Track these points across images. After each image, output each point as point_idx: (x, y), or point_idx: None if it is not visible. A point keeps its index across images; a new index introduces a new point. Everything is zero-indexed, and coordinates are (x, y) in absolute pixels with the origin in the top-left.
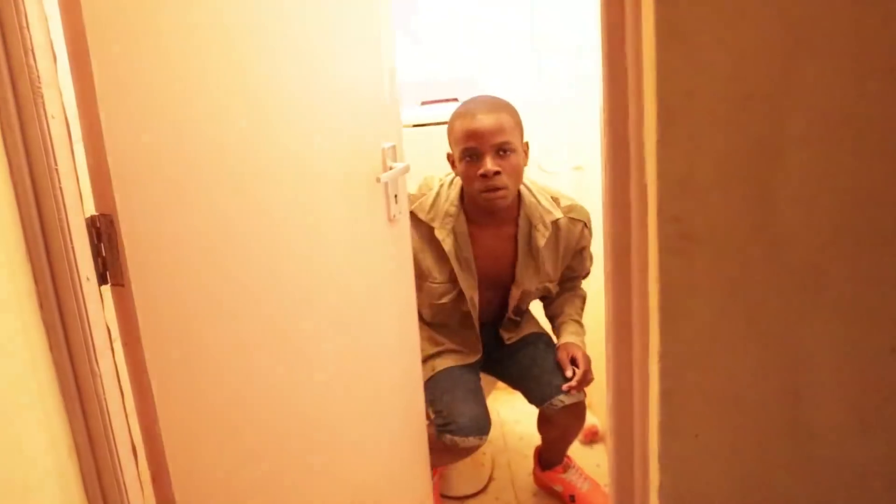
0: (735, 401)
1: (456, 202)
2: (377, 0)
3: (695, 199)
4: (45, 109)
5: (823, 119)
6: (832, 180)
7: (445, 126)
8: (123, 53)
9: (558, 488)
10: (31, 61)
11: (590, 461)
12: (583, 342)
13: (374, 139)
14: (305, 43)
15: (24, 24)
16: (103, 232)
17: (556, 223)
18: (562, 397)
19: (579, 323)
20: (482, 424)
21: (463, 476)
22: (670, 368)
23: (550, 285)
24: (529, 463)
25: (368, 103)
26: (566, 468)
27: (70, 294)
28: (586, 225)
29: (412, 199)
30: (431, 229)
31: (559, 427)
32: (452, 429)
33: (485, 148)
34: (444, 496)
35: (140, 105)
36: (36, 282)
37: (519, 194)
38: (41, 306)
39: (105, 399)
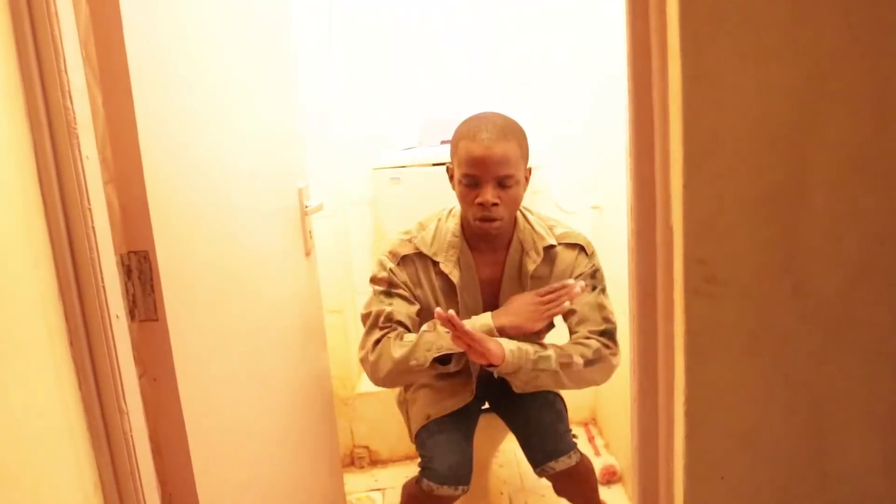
0: (760, 442)
1: (457, 232)
2: (288, 51)
3: (720, 242)
4: (80, 150)
5: (846, 162)
6: (856, 222)
7: None
8: (153, 94)
9: None
10: (68, 103)
11: (609, 502)
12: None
13: (291, 180)
14: (243, 92)
15: (63, 68)
16: (133, 269)
17: (549, 251)
18: (552, 463)
19: (542, 346)
20: (461, 475)
21: None
22: (695, 410)
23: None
24: (547, 502)
25: (285, 147)
26: None
27: (100, 331)
28: (584, 249)
29: (403, 239)
30: (435, 264)
31: (566, 491)
32: (430, 475)
33: (486, 178)
34: None
35: (165, 146)
36: (66, 319)
37: (515, 220)
38: (71, 343)
39: (132, 436)
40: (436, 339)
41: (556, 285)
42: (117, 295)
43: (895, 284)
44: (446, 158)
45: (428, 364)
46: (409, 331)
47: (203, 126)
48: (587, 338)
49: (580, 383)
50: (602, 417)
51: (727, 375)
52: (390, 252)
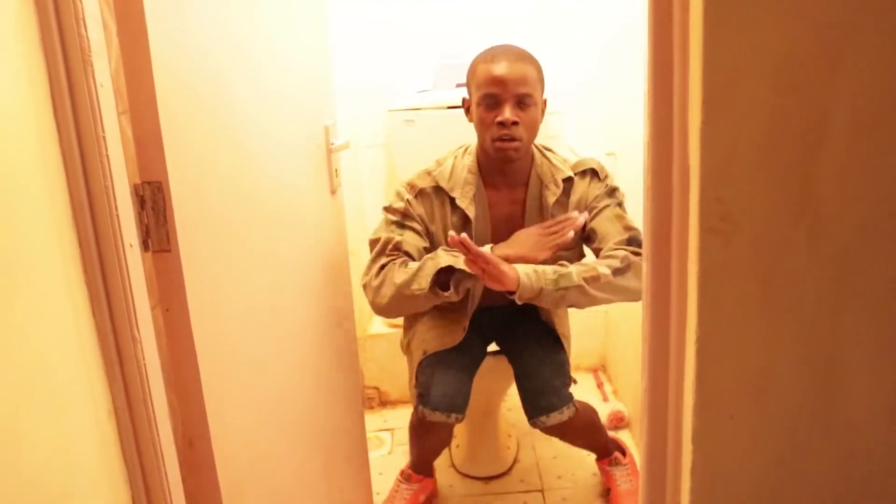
0: (770, 384)
1: (474, 169)
2: None
3: (737, 182)
4: (94, 78)
5: (867, 108)
6: (875, 169)
7: None
8: (167, 26)
9: (602, 478)
10: (83, 31)
11: None
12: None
13: (318, 117)
14: (272, 30)
15: None
16: (147, 199)
17: (568, 182)
18: (543, 418)
19: (561, 264)
20: (454, 403)
21: (487, 457)
22: (707, 350)
23: (565, 252)
24: (554, 446)
25: (313, 83)
26: (615, 463)
27: (113, 260)
28: (596, 173)
29: (421, 174)
30: (451, 200)
31: (565, 439)
32: (423, 401)
33: (506, 96)
34: (469, 476)
35: (179, 77)
36: (80, 247)
37: (532, 156)
38: (85, 271)
39: (145, 365)
40: (436, 262)
41: (560, 217)
42: (131, 224)
43: None
44: (461, 101)
45: (428, 288)
46: (417, 261)
47: (220, 58)
48: (612, 250)
49: (616, 293)
50: (611, 364)
51: (739, 317)
52: (409, 184)
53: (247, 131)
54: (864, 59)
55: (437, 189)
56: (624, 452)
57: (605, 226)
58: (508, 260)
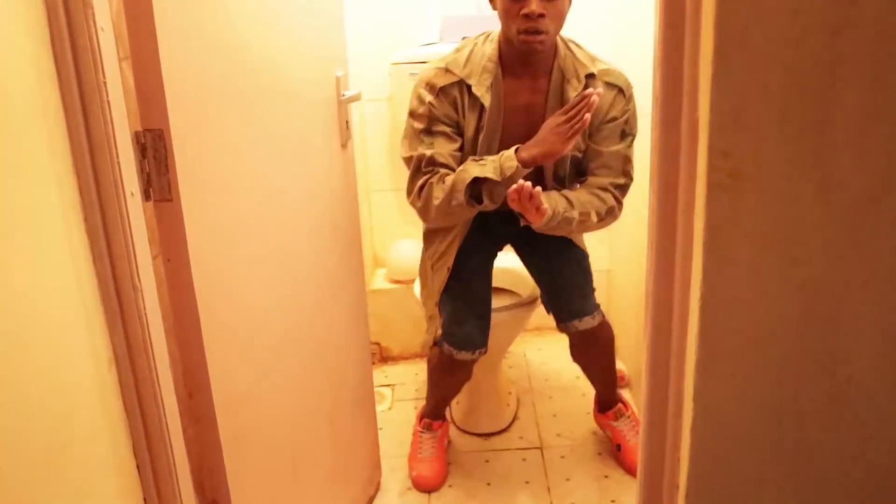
0: (774, 343)
1: (494, 57)
2: None
3: (746, 135)
4: (94, 21)
5: (880, 62)
6: (888, 124)
7: None
8: None
9: (608, 434)
10: None
11: None
12: (558, 209)
13: (329, 67)
14: None
15: None
16: (148, 148)
17: (590, 79)
18: (576, 322)
19: (569, 202)
20: (481, 339)
21: (487, 414)
22: (711, 307)
23: (579, 154)
24: (554, 404)
25: (325, 31)
26: (618, 415)
27: (115, 208)
28: (622, 91)
29: (439, 67)
30: (468, 88)
31: (584, 354)
32: (450, 340)
33: None
34: (468, 433)
35: (181, 22)
36: (81, 194)
37: (556, 47)
38: (86, 219)
39: (146, 313)
40: (464, 174)
41: (574, 99)
42: (132, 172)
43: None
44: None
45: (465, 202)
46: (453, 169)
47: (225, 3)
48: (605, 189)
49: (584, 230)
50: (613, 322)
51: (745, 274)
52: (427, 84)
53: (255, 77)
54: (881, 6)
55: (459, 82)
56: (625, 404)
57: (609, 159)
58: (535, 161)
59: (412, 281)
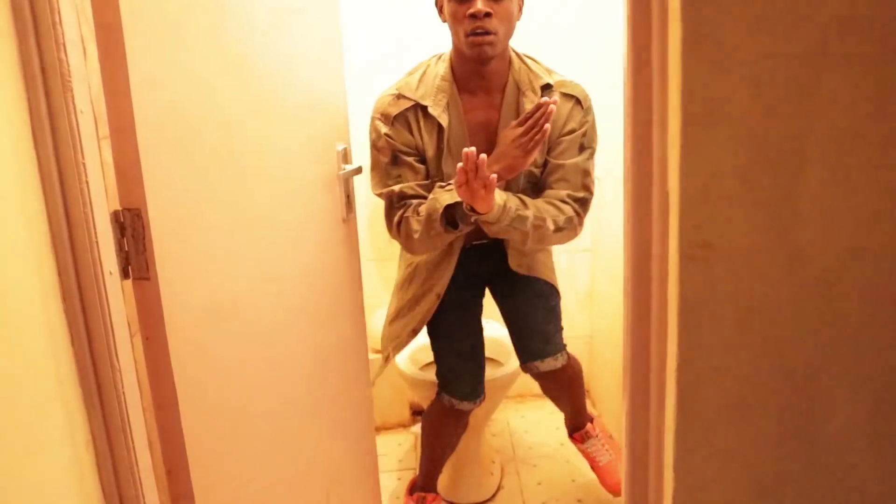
0: (751, 411)
1: (447, 76)
2: (334, 8)
3: (716, 208)
4: (74, 104)
5: (846, 132)
6: (853, 195)
7: None
8: (150, 49)
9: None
10: (63, 56)
11: None
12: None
13: (329, 142)
14: (281, 55)
15: (58, 20)
16: (127, 226)
17: (546, 90)
18: (537, 363)
19: (522, 202)
20: (478, 390)
21: (471, 483)
22: (687, 378)
23: (536, 170)
24: (538, 472)
25: (325, 107)
26: (585, 438)
27: (93, 287)
28: (580, 102)
29: (390, 94)
30: (424, 109)
31: (551, 391)
32: (450, 392)
33: None
34: (452, 503)
35: (162, 102)
36: (59, 274)
37: (510, 61)
38: (64, 299)
39: (124, 393)
40: (435, 205)
41: (530, 109)
42: (111, 251)
43: (891, 258)
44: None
45: (443, 230)
46: (425, 198)
47: (213, 79)
48: (563, 201)
49: (541, 243)
50: (594, 388)
51: (720, 344)
52: (382, 114)
53: (242, 155)
54: (843, 80)
55: (413, 107)
56: (593, 423)
57: (570, 172)
58: (499, 176)
59: None
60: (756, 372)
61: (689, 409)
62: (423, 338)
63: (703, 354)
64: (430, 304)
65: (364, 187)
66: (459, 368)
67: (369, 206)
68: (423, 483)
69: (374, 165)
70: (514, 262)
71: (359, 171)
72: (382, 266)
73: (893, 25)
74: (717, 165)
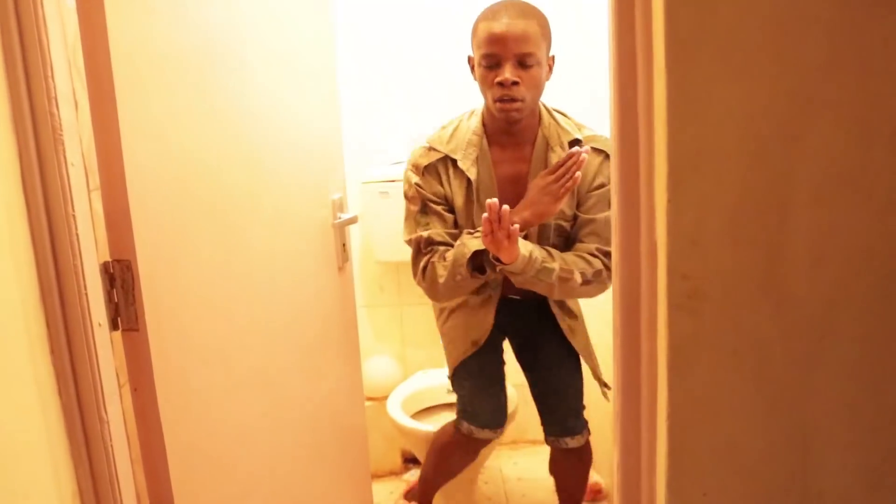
0: (743, 458)
1: (479, 130)
2: (331, 58)
3: (703, 257)
4: (65, 157)
5: (830, 177)
6: (839, 240)
7: None
8: (141, 101)
9: None
10: (55, 109)
11: None
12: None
13: (324, 191)
14: (276, 105)
15: (49, 74)
16: (117, 278)
17: (574, 145)
18: (567, 439)
19: (549, 253)
20: (499, 418)
21: None
22: (678, 425)
23: (565, 224)
24: None
25: (320, 157)
26: None
27: (81, 339)
28: (608, 157)
29: (423, 147)
30: (454, 163)
31: (563, 468)
32: (470, 419)
33: (506, 56)
34: None
35: (153, 154)
36: (48, 326)
37: (539, 116)
38: (52, 351)
39: (112, 445)
40: (463, 249)
41: (562, 158)
42: (100, 303)
43: (877, 301)
44: (466, 60)
45: (468, 275)
46: (452, 245)
47: (204, 132)
48: (593, 254)
49: (569, 295)
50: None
51: (710, 391)
52: (413, 165)
53: (234, 205)
54: (825, 126)
55: (443, 159)
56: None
57: (598, 227)
58: (526, 223)
59: (385, 398)
60: (747, 419)
61: (680, 457)
62: (417, 383)
63: (693, 402)
64: (465, 348)
65: (358, 235)
66: (481, 396)
67: (361, 250)
68: (421, 499)
69: (406, 215)
70: (515, 283)
71: (354, 220)
72: (374, 313)
73: (873, 71)
74: (704, 214)
